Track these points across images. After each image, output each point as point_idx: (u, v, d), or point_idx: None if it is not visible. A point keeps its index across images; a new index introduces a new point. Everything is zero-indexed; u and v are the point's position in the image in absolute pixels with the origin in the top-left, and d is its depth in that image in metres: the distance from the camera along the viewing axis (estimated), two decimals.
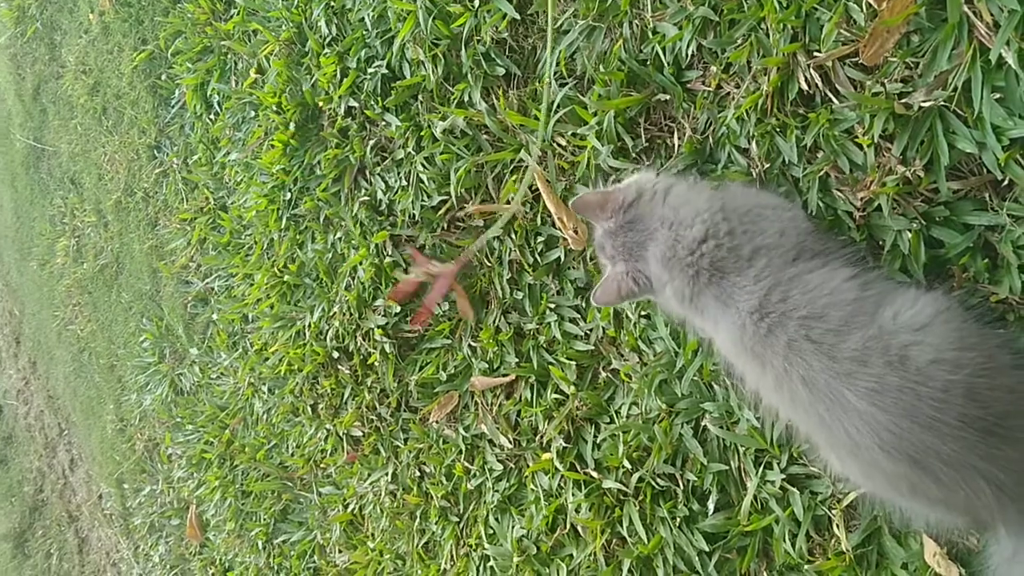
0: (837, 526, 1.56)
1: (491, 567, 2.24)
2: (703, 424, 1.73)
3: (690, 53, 1.66)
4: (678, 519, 1.78)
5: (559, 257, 2.01)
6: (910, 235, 1.38)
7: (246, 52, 2.87)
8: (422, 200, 2.29)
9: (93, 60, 4.18)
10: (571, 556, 2.02)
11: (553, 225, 2.00)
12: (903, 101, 1.32)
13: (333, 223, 2.59)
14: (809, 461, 1.61)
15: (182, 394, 3.63)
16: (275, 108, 2.67)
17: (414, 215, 2.31)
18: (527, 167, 2.00)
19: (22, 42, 5.12)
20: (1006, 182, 1.29)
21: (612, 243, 1.48)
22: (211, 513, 3.49)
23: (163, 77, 3.53)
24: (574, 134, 1.91)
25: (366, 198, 2.45)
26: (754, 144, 1.57)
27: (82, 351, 4.75)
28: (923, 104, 1.30)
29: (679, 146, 1.73)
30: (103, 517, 4.75)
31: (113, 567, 4.75)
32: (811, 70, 1.45)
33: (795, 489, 1.60)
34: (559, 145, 1.95)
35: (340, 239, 2.56)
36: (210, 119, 3.19)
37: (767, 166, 1.56)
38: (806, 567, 1.59)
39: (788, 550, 1.61)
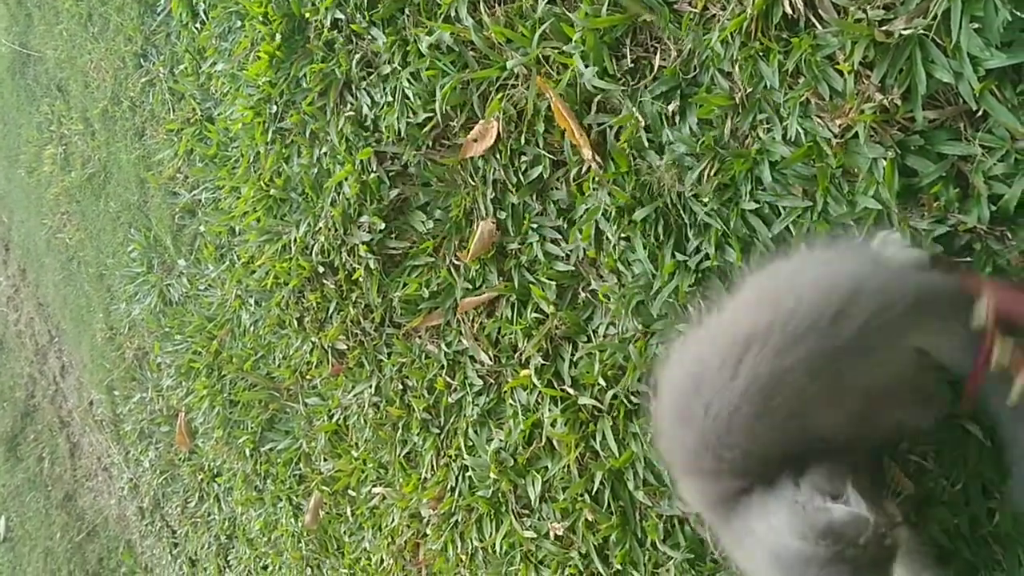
0: None
1: (469, 477, 2.31)
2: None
3: None
4: (649, 435, 1.83)
5: (541, 174, 2.01)
6: (885, 163, 1.39)
7: None
8: (407, 117, 2.27)
9: None
10: (546, 468, 2.09)
11: (538, 145, 2.00)
12: (884, 28, 1.32)
13: (319, 138, 2.58)
14: None
15: (171, 304, 3.66)
16: (261, 18, 2.63)
17: (400, 131, 2.30)
18: (514, 86, 1.99)
19: None
20: (980, 112, 1.30)
21: None
22: (200, 421, 3.57)
23: None
24: (560, 51, 1.90)
25: (351, 113, 2.43)
26: (737, 68, 1.57)
27: (71, 260, 4.76)
28: (903, 32, 1.30)
29: (662, 67, 1.73)
30: (94, 423, 4.84)
31: (104, 471, 4.86)
32: None
33: None
34: (544, 61, 1.94)
35: (326, 154, 2.55)
36: (196, 28, 3.15)
37: (749, 91, 1.57)
38: None
39: None
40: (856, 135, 1.42)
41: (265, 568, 3.42)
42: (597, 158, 1.89)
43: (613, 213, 1.84)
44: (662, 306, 1.76)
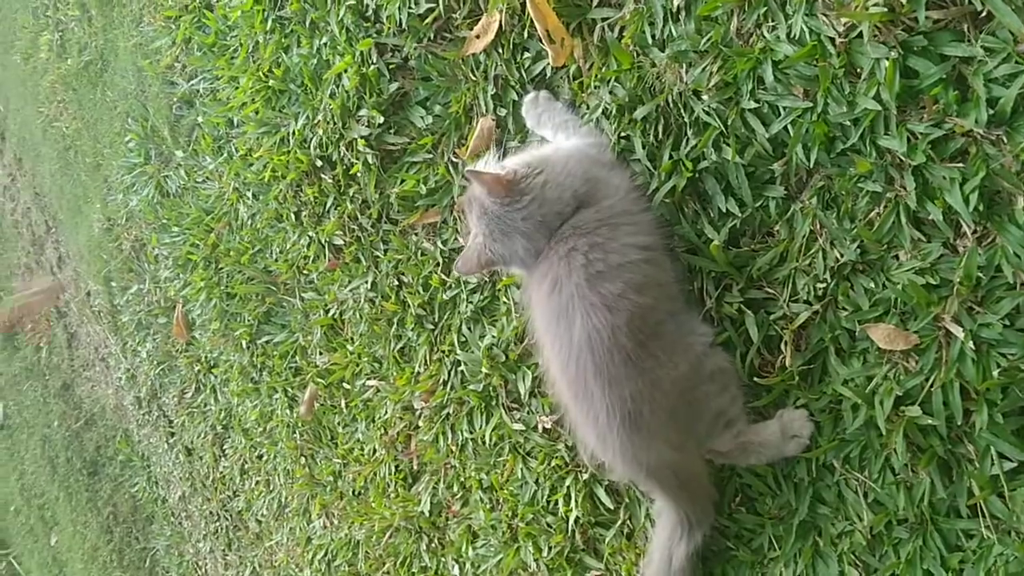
0: (786, 344, 1.65)
1: (461, 371, 2.35)
2: (671, 245, 1.78)
3: None
4: None
5: (544, 71, 2.00)
6: (887, 63, 1.38)
7: None
8: (409, 7, 2.24)
9: None
10: (536, 364, 2.12)
11: (541, 40, 1.98)
12: None
13: (319, 28, 2.54)
14: (767, 284, 1.68)
15: (168, 196, 3.66)
16: None
17: (401, 22, 2.27)
18: None
19: None
20: (985, 13, 1.29)
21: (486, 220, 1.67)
22: (197, 313, 3.60)
23: None
24: None
25: (352, 2, 2.39)
26: None
27: (68, 149, 4.73)
28: None
29: None
30: (91, 314, 4.88)
31: (102, 361, 4.93)
32: None
33: (750, 312, 1.68)
34: None
35: (325, 44, 2.52)
36: None
37: None
38: (754, 380, 1.69)
39: (739, 367, 1.70)
40: (860, 34, 1.41)
41: (260, 457, 3.51)
42: (583, 55, 1.88)
43: (614, 111, 1.83)
44: (658, 207, 1.77)
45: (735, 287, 1.70)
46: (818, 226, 1.58)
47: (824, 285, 1.59)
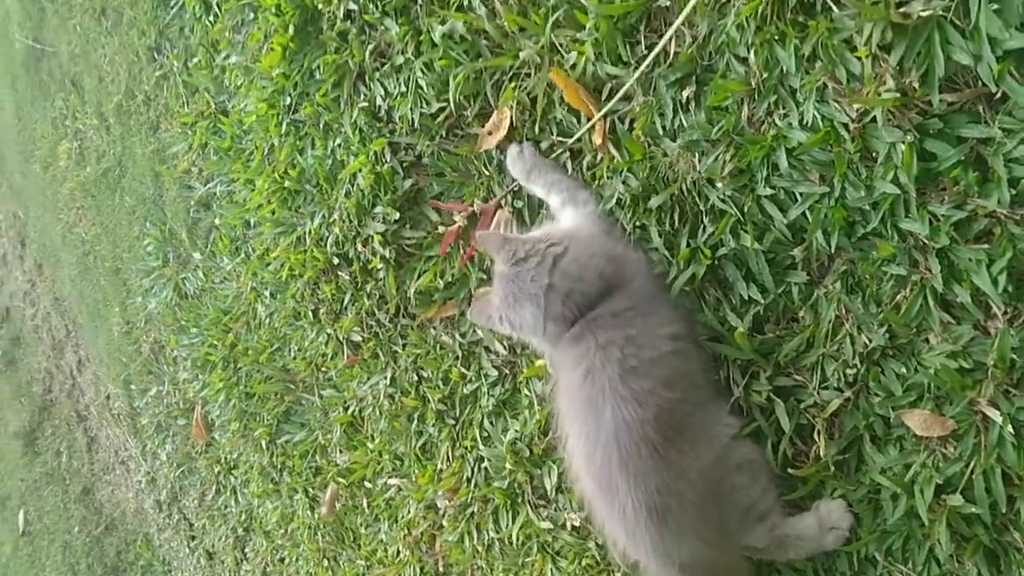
0: (819, 433, 1.61)
1: (485, 468, 2.31)
2: (695, 330, 1.75)
3: None
4: None
5: (564, 164, 2.00)
6: (903, 147, 1.38)
7: None
8: (421, 107, 2.27)
9: None
10: (562, 459, 2.08)
11: (552, 133, 2.00)
12: (902, 10, 1.31)
13: (333, 129, 2.58)
14: (795, 370, 1.64)
15: (186, 297, 3.67)
16: (274, 10, 2.63)
17: (413, 122, 2.30)
18: (529, 74, 1.98)
19: None
20: (1000, 95, 1.29)
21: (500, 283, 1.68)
22: (216, 413, 3.58)
23: None
24: (574, 39, 1.89)
25: (365, 104, 2.43)
26: (753, 53, 1.56)
27: (87, 254, 4.78)
28: (921, 14, 1.29)
29: (676, 54, 1.72)
30: (111, 417, 4.86)
31: (122, 465, 4.89)
32: None
33: (780, 400, 1.64)
34: (558, 48, 1.93)
35: (340, 145, 2.55)
36: (209, 21, 3.15)
37: (765, 76, 1.55)
38: (788, 471, 1.64)
39: (770, 458, 1.66)
40: (874, 119, 1.41)
41: (282, 560, 3.44)
42: (609, 146, 1.88)
43: (628, 200, 1.83)
44: (679, 295, 1.75)
45: (762, 375, 1.67)
46: (843, 311, 1.56)
47: (854, 371, 1.56)
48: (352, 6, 2.39)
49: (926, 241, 1.42)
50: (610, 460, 1.54)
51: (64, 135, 4.78)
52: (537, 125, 2.03)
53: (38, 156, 5.23)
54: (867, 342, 1.53)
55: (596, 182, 1.91)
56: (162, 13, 3.54)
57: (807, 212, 1.55)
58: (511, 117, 2.09)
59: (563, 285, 1.61)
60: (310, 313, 2.85)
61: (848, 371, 1.57)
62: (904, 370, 1.51)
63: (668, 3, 1.70)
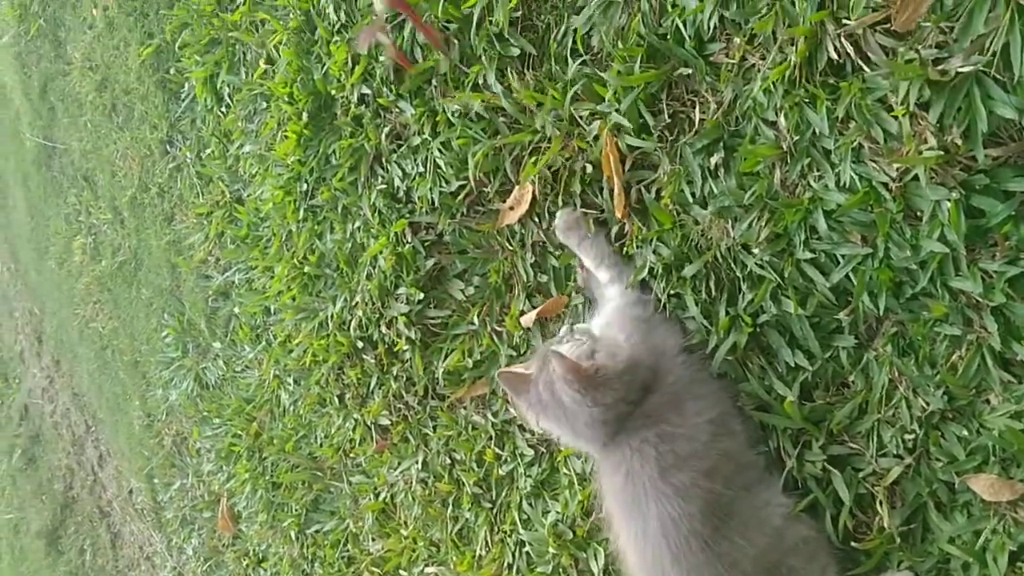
0: (880, 503, 1.54)
1: (527, 552, 2.23)
2: (738, 405, 1.70)
3: (712, 25, 1.61)
4: None
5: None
6: (949, 205, 1.34)
7: (254, 42, 2.84)
8: (440, 186, 2.25)
9: (99, 56, 4.15)
10: (608, 540, 2.01)
11: (576, 206, 1.97)
12: (940, 68, 1.28)
13: (351, 212, 2.57)
14: (850, 438, 1.59)
15: (208, 388, 3.63)
16: (287, 98, 2.64)
17: (433, 201, 2.28)
18: (548, 148, 1.97)
19: (26, 40, 5.09)
20: None
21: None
22: (242, 505, 3.51)
23: (171, 71, 3.49)
24: (592, 113, 1.88)
25: (383, 186, 2.42)
26: (782, 116, 1.53)
27: (105, 348, 4.76)
28: (960, 70, 1.26)
29: (702, 120, 1.70)
30: (134, 512, 4.79)
31: (147, 560, 4.79)
32: (841, 39, 1.40)
33: (836, 470, 1.58)
34: (578, 121, 1.91)
35: (359, 228, 2.53)
36: (221, 112, 3.17)
37: (796, 139, 1.53)
38: (851, 545, 1.58)
39: (830, 531, 1.59)
40: (916, 177, 1.38)
41: None
42: (634, 217, 1.86)
43: (660, 270, 1.79)
44: (720, 364, 1.70)
45: (815, 444, 1.61)
46: (897, 374, 1.51)
47: (913, 436, 1.50)
48: (366, 91, 2.39)
49: (979, 299, 1.37)
50: (662, 558, 1.52)
51: (78, 231, 4.79)
52: (560, 198, 2.01)
53: (52, 252, 5.24)
54: (924, 405, 1.48)
55: (625, 251, 1.88)
56: (173, 106, 3.56)
57: (851, 274, 1.51)
58: (534, 191, 2.07)
59: (604, 401, 1.58)
60: (336, 399, 2.80)
61: (906, 436, 1.51)
62: (966, 433, 1.45)
63: (690, 71, 1.68)
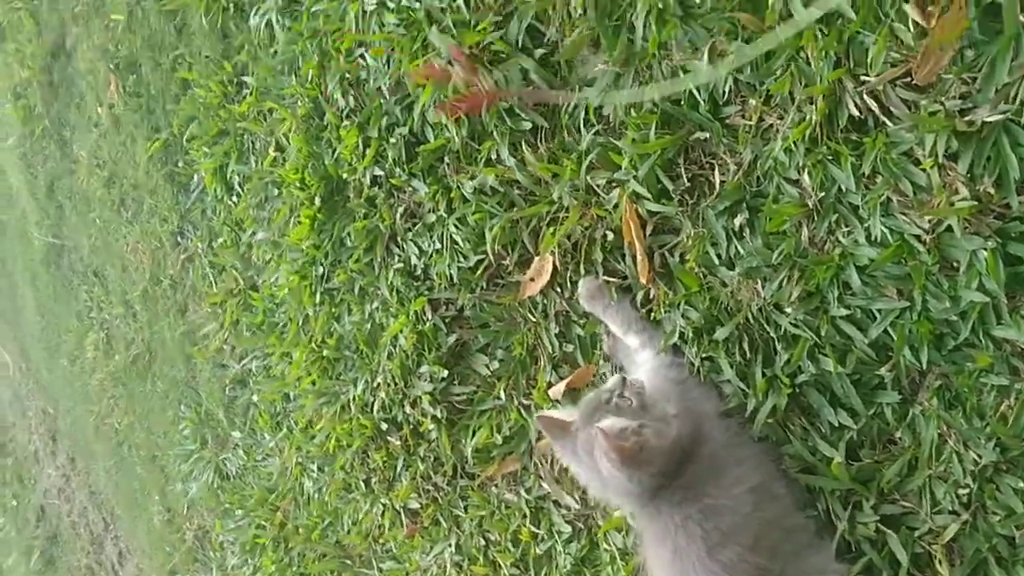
0: (939, 562, 1.50)
1: None
2: (781, 468, 1.66)
3: (726, 89, 1.62)
4: None
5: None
6: (986, 254, 1.32)
7: (263, 131, 2.87)
8: (458, 262, 2.25)
9: (106, 153, 4.20)
10: None
11: (598, 273, 1.96)
12: (966, 119, 1.27)
13: (369, 293, 2.56)
14: (902, 497, 1.54)
15: (228, 479, 3.59)
16: (298, 184, 2.65)
17: (451, 277, 2.27)
18: (566, 218, 1.96)
19: (31, 141, 5.16)
20: None
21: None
22: None
23: (180, 163, 3.53)
24: (610, 181, 1.87)
25: (400, 265, 2.41)
26: (806, 175, 1.52)
27: (121, 444, 4.72)
28: (987, 120, 1.26)
29: (722, 183, 1.69)
30: None
31: None
32: (861, 96, 1.40)
33: (890, 531, 1.54)
34: (595, 190, 1.91)
35: (377, 309, 2.52)
36: (232, 201, 3.18)
37: (822, 196, 1.52)
38: None
39: None
40: (949, 228, 1.36)
41: None
42: (659, 282, 1.84)
43: (691, 334, 1.77)
44: (761, 428, 1.67)
45: (866, 505, 1.57)
46: (945, 428, 1.47)
47: (967, 491, 1.45)
48: (378, 172, 2.40)
49: None
50: None
51: (90, 327, 4.79)
52: (582, 267, 1.99)
53: (64, 350, 5.24)
54: (976, 459, 1.44)
55: (652, 315, 1.86)
56: (183, 198, 3.59)
57: (889, 329, 1.48)
58: (554, 261, 2.06)
59: (642, 477, 1.56)
60: (362, 483, 2.76)
61: (961, 492, 1.47)
62: (1022, 485, 1.41)
63: (706, 135, 1.68)
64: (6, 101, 5.33)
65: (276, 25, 2.69)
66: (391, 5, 2.22)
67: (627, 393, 1.62)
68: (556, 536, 2.17)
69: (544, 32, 1.95)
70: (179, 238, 3.68)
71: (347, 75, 2.42)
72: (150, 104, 3.68)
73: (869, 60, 1.38)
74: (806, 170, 1.52)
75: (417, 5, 2.14)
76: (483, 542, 2.38)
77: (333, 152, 2.53)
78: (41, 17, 4.68)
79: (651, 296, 1.87)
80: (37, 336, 5.84)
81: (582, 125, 1.90)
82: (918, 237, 1.40)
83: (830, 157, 1.48)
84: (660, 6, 1.65)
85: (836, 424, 1.59)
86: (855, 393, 1.55)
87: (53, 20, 4.55)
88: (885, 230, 1.44)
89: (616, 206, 1.85)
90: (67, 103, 4.67)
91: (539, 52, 1.96)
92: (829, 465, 1.57)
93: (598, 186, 1.90)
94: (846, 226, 1.51)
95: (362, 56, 2.36)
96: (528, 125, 2.02)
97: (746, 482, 1.55)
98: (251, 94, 2.88)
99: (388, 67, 2.29)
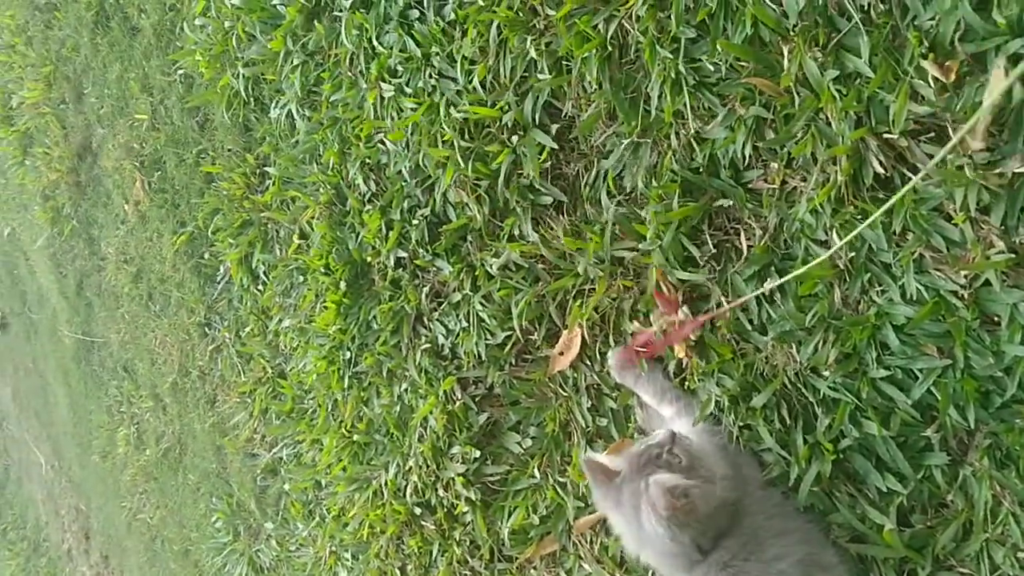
0: None
1: None
2: (831, 538, 1.61)
3: (746, 154, 1.61)
4: None
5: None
6: None
7: (286, 220, 2.89)
8: (486, 339, 2.23)
9: (133, 248, 4.25)
10: None
11: (626, 343, 1.93)
12: (996, 171, 1.26)
13: (397, 375, 2.54)
14: (958, 562, 1.48)
15: (262, 571, 3.52)
16: (323, 270, 2.66)
17: (479, 355, 2.25)
18: (592, 291, 1.95)
19: (60, 241, 5.23)
20: None
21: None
22: None
23: (205, 255, 3.56)
24: (634, 250, 1.86)
25: (427, 345, 2.40)
26: (835, 235, 1.50)
27: (154, 539, 4.67)
28: (1018, 171, 1.24)
29: (749, 247, 1.67)
30: None
31: None
32: (884, 154, 1.39)
33: None
34: (620, 261, 1.90)
35: (406, 390, 2.50)
36: (258, 290, 3.20)
37: (852, 256, 1.50)
38: None
39: None
40: (987, 282, 1.33)
41: None
42: (692, 352, 1.81)
43: (727, 402, 1.73)
44: (806, 497, 1.62)
45: (922, 572, 1.51)
46: (998, 488, 1.42)
47: None
48: (401, 253, 2.40)
49: None
50: None
51: (121, 422, 4.79)
52: (611, 338, 1.97)
53: (96, 446, 5.23)
54: None
55: (686, 384, 1.83)
56: (209, 289, 3.61)
57: (932, 388, 1.45)
58: (582, 334, 2.04)
59: (682, 540, 1.51)
60: (397, 571, 2.69)
61: (1019, 555, 1.41)
62: None
63: (730, 201, 1.67)
64: (35, 204, 5.42)
65: (296, 116, 2.73)
66: (408, 90, 2.25)
67: (676, 450, 1.57)
68: None
69: (561, 108, 1.97)
70: (207, 329, 3.69)
71: (367, 160, 2.45)
72: (175, 199, 3.74)
73: (891, 117, 1.37)
74: (835, 231, 1.50)
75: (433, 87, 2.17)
76: None
77: (357, 236, 2.55)
78: (67, 120, 4.78)
79: (684, 365, 1.84)
80: (69, 433, 5.85)
81: (604, 196, 1.90)
82: (955, 293, 1.38)
83: (858, 216, 1.47)
84: (673, 76, 1.66)
85: (884, 489, 1.54)
86: (902, 456, 1.51)
87: (79, 122, 4.65)
88: (920, 287, 1.41)
89: (640, 276, 1.84)
90: (94, 202, 4.75)
91: (555, 127, 1.98)
92: (880, 533, 1.52)
93: (623, 257, 1.89)
94: (879, 285, 1.48)
95: (381, 141, 2.39)
96: (549, 200, 2.03)
97: (794, 553, 1.50)
98: (274, 184, 2.91)
99: (407, 150, 2.31)
